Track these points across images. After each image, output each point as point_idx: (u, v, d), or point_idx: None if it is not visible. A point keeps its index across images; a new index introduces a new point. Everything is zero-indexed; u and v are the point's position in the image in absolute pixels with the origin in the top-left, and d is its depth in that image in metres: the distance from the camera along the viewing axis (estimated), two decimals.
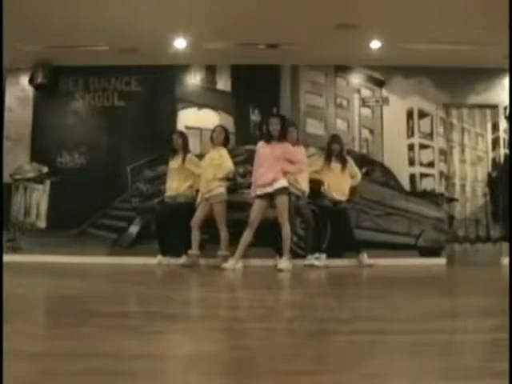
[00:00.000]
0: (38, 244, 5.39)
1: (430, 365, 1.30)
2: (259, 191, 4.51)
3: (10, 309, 2.05)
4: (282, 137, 4.57)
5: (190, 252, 4.83)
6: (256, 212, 4.47)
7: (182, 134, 5.14)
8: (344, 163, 5.04)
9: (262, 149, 4.60)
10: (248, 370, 1.29)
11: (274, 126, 4.57)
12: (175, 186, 4.99)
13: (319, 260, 4.86)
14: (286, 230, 4.46)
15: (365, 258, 5.02)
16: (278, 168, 4.46)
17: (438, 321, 1.98)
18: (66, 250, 5.24)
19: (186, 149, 5.05)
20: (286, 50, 5.14)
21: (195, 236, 4.84)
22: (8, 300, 2.21)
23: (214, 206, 4.79)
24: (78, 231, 5.42)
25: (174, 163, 5.02)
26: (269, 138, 4.60)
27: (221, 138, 4.92)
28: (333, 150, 5.07)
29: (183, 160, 4.96)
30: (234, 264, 4.43)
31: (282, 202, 4.44)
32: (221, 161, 4.81)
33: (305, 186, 4.86)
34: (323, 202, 5.04)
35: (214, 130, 4.99)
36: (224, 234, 4.78)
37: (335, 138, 5.14)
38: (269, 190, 4.44)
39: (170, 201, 5.03)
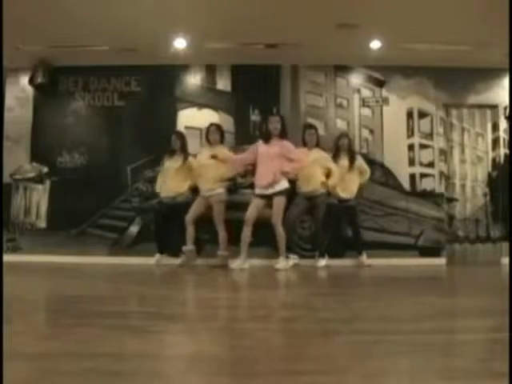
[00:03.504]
0: (38, 244, 5.39)
1: (429, 365, 1.30)
2: (258, 191, 4.57)
3: (10, 309, 2.05)
4: (282, 136, 4.61)
5: (184, 248, 4.82)
6: (251, 209, 4.53)
7: (181, 135, 5.14)
8: (352, 160, 5.01)
9: (261, 147, 4.62)
10: (248, 370, 1.29)
11: (275, 124, 4.60)
12: (175, 186, 4.98)
13: (319, 260, 4.86)
14: (280, 231, 4.52)
15: (364, 258, 5.02)
16: (278, 168, 4.50)
17: (437, 321, 1.98)
18: (66, 250, 5.25)
19: (184, 149, 5.05)
20: (285, 50, 5.14)
21: (190, 231, 4.82)
22: (8, 300, 2.21)
23: (214, 205, 4.80)
24: (78, 231, 5.42)
25: (173, 163, 5.01)
26: (267, 137, 4.62)
27: (217, 136, 4.94)
28: (340, 145, 5.07)
29: (184, 161, 4.96)
30: (241, 264, 4.51)
31: (279, 203, 4.52)
32: (226, 159, 4.83)
33: (313, 186, 4.84)
34: (329, 200, 5.02)
35: (208, 130, 5.00)
36: (223, 233, 4.79)
37: (343, 134, 5.18)
38: (269, 191, 4.49)
39: (168, 201, 5.02)
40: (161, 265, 4.91)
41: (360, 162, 5.10)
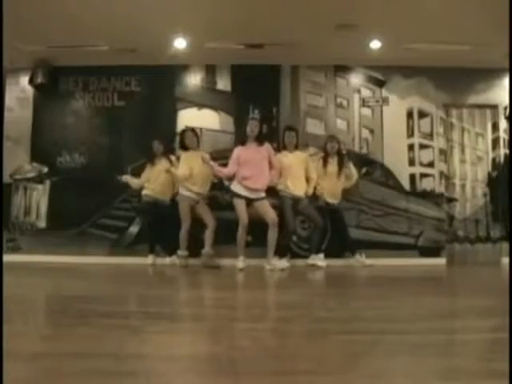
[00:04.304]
0: (38, 244, 5.39)
1: (429, 365, 1.30)
2: (245, 193, 4.53)
3: (11, 309, 2.05)
4: (259, 139, 4.62)
5: (179, 252, 4.87)
6: (244, 214, 4.50)
7: (163, 142, 5.15)
8: (341, 165, 4.97)
9: (243, 152, 4.58)
10: (247, 370, 1.29)
11: (253, 127, 4.61)
12: (164, 190, 5.01)
13: (321, 260, 4.86)
14: (275, 232, 4.53)
15: (363, 258, 5.01)
16: (267, 174, 4.56)
17: (437, 321, 1.98)
18: (66, 250, 5.25)
19: (167, 154, 5.09)
20: (286, 50, 5.14)
21: (184, 238, 4.84)
22: (8, 300, 2.21)
23: (203, 205, 4.83)
24: (78, 231, 5.42)
25: (159, 167, 5.01)
26: (244, 140, 4.63)
27: (194, 140, 4.92)
28: (329, 150, 5.03)
29: (171, 162, 5.01)
30: (243, 263, 4.54)
31: (267, 205, 4.55)
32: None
33: (299, 191, 4.82)
34: (318, 203, 5.01)
35: (184, 134, 4.93)
36: (211, 232, 4.80)
37: (330, 138, 5.12)
38: (255, 196, 4.51)
39: (150, 200, 5.03)
40: (154, 264, 4.96)
41: (349, 166, 5.03)
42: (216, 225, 4.82)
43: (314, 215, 4.89)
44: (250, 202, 4.55)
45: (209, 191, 4.99)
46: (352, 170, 5.07)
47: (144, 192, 5.09)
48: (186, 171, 4.77)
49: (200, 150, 4.94)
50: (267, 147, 4.66)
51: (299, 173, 4.85)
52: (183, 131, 5.03)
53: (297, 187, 4.81)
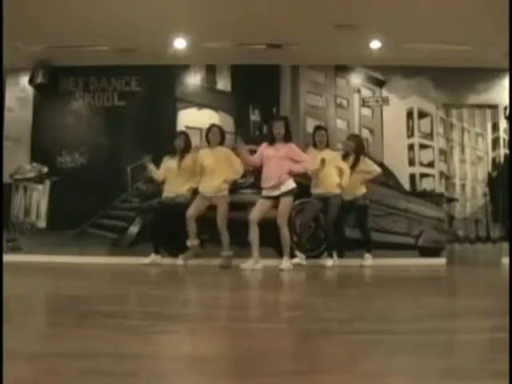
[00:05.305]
0: (38, 244, 5.39)
1: (429, 365, 1.29)
2: (265, 192, 4.61)
3: (10, 309, 2.05)
4: (286, 139, 4.64)
5: (189, 243, 4.84)
6: (255, 210, 4.57)
7: (187, 137, 5.14)
8: (355, 164, 5.03)
9: (266, 150, 4.64)
10: (248, 370, 1.29)
11: (279, 129, 4.62)
12: (175, 187, 4.98)
13: (327, 260, 4.89)
14: (285, 232, 4.55)
15: (367, 258, 5.02)
16: (284, 169, 4.52)
17: (437, 321, 1.98)
18: (66, 250, 5.25)
19: (186, 151, 5.06)
20: (286, 49, 5.15)
21: (192, 227, 4.83)
22: (8, 300, 2.21)
23: (220, 206, 4.81)
24: (78, 231, 5.43)
25: (173, 163, 5.01)
26: (271, 141, 4.66)
27: (218, 138, 4.94)
28: (348, 148, 5.15)
29: (181, 161, 4.98)
30: (253, 264, 4.51)
31: (285, 204, 4.53)
32: (230, 160, 4.85)
33: (328, 189, 4.85)
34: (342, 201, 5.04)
35: (209, 130, 4.98)
36: (226, 234, 4.81)
37: (349, 137, 5.23)
38: (275, 193, 4.51)
39: (168, 201, 5.02)
40: (155, 264, 4.93)
41: (366, 163, 5.10)
42: (227, 232, 4.82)
43: (332, 216, 4.90)
44: (275, 199, 4.54)
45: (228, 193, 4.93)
46: (370, 166, 5.10)
47: (164, 194, 5.06)
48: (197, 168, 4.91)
49: (224, 147, 4.95)
50: (289, 146, 4.62)
51: (329, 170, 4.86)
52: (209, 127, 5.02)
53: (325, 185, 4.84)
